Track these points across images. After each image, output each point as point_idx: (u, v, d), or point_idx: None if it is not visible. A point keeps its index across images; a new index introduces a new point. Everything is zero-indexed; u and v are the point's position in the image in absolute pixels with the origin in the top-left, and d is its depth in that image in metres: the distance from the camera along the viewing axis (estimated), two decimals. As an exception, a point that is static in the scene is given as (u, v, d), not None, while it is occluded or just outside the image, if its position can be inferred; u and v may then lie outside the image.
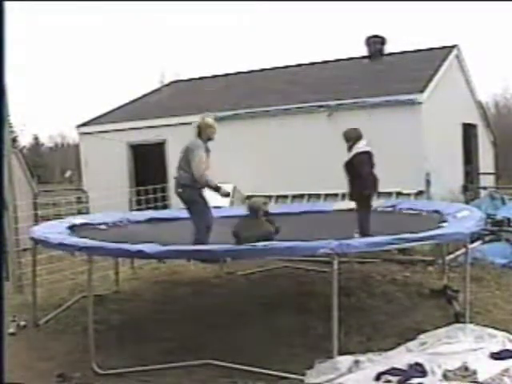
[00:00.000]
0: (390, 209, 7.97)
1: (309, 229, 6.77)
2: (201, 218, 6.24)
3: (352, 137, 6.63)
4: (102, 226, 7.17)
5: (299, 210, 8.75)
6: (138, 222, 7.83)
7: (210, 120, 6.37)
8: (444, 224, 5.73)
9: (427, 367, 4.07)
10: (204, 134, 6.27)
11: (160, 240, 5.24)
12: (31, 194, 10.93)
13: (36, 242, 6.08)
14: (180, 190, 6.27)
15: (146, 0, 60.38)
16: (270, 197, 11.23)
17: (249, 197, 10.99)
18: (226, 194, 6.41)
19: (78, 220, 7.20)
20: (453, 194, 11.09)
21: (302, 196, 11.13)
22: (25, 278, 7.67)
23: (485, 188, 13.34)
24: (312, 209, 8.73)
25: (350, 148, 6.58)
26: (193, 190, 6.19)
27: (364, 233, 6.14)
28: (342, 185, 10.26)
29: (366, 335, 5.37)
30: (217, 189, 6.24)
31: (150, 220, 7.95)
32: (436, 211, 6.86)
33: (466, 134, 13.55)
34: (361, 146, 6.52)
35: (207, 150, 6.28)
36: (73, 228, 6.54)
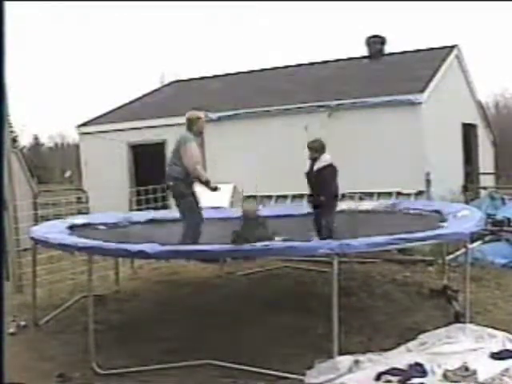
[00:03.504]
0: (389, 209, 7.96)
1: (308, 230, 6.76)
2: (190, 214, 6.20)
3: (318, 148, 6.73)
4: (102, 227, 7.17)
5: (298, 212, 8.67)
6: (138, 222, 7.82)
7: (199, 113, 6.39)
8: (444, 224, 5.73)
9: (427, 367, 4.07)
10: (194, 127, 6.28)
11: (160, 240, 5.24)
12: (31, 194, 10.91)
13: (36, 241, 6.08)
14: (171, 183, 6.24)
15: (146, 0, 60.40)
16: (270, 197, 11.26)
17: (248, 197, 11.01)
18: (214, 189, 6.37)
19: (78, 220, 7.20)
20: (453, 194, 11.09)
21: (301, 196, 11.12)
22: (25, 278, 7.67)
23: (485, 188, 13.34)
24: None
25: (314, 159, 6.67)
26: (184, 183, 6.15)
27: (324, 238, 6.16)
28: (342, 185, 10.33)
29: (366, 335, 5.37)
30: (207, 183, 6.21)
31: (150, 221, 7.95)
32: (436, 211, 6.86)
33: (466, 134, 13.55)
34: (327, 159, 6.64)
35: (199, 144, 6.27)
36: (73, 228, 6.54)
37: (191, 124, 6.29)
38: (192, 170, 6.06)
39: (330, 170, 6.61)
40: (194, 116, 6.32)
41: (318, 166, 6.61)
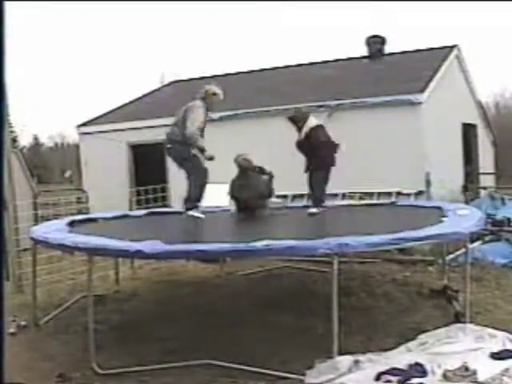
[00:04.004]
0: (389, 205, 7.99)
1: (309, 228, 6.77)
2: (193, 174, 6.23)
3: (300, 118, 6.79)
4: (101, 220, 7.21)
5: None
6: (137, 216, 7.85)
7: (216, 89, 6.40)
8: (444, 219, 5.72)
9: (427, 367, 4.07)
10: (207, 99, 6.31)
11: (161, 235, 5.23)
12: (31, 194, 10.93)
13: (36, 241, 6.08)
14: (169, 146, 6.26)
15: (146, 0, 60.42)
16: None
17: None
18: (210, 158, 6.38)
19: (78, 219, 7.20)
20: (453, 194, 11.09)
21: (302, 196, 11.12)
22: (25, 278, 7.67)
23: (485, 188, 13.34)
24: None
25: (299, 129, 6.71)
26: (183, 146, 6.17)
27: (318, 200, 6.38)
28: (342, 185, 10.34)
29: (366, 335, 5.37)
30: (202, 150, 6.23)
31: (149, 214, 7.98)
32: (437, 207, 6.87)
33: (466, 133, 13.55)
34: (312, 123, 6.67)
35: (207, 116, 6.30)
36: (72, 224, 6.55)
37: (206, 97, 6.33)
38: (189, 134, 6.07)
39: (317, 130, 6.62)
40: (210, 90, 6.37)
41: (304, 131, 6.65)
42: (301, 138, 6.76)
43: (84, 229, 6.26)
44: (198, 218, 6.59)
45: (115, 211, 8.07)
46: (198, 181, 6.22)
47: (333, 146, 6.80)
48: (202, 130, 6.24)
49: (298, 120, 6.83)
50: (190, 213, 6.59)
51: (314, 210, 6.75)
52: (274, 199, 7.16)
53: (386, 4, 59.09)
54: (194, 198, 6.34)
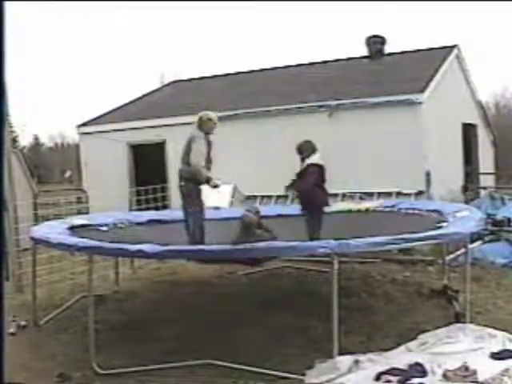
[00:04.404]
0: (389, 209, 7.97)
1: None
2: (194, 215, 6.23)
3: (306, 149, 6.61)
4: (103, 228, 7.17)
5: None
6: (139, 223, 7.82)
7: (211, 114, 6.41)
8: (444, 224, 5.73)
9: (427, 367, 4.07)
10: (203, 127, 6.32)
11: (160, 240, 5.24)
12: (31, 194, 10.93)
13: (36, 241, 6.08)
14: (182, 183, 6.29)
15: (146, 0, 60.41)
16: (270, 197, 11.25)
17: (249, 197, 10.99)
18: (215, 186, 6.37)
19: (78, 220, 7.20)
20: (453, 194, 11.09)
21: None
22: (25, 278, 7.67)
23: (485, 188, 13.34)
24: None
25: (303, 160, 6.57)
26: (193, 183, 6.20)
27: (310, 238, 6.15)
28: (342, 185, 10.34)
29: (366, 335, 5.37)
30: (207, 181, 6.23)
31: (150, 221, 7.94)
32: (436, 211, 6.87)
33: (466, 134, 13.55)
34: (314, 159, 6.51)
35: (208, 143, 6.29)
36: (73, 229, 6.55)
37: (201, 124, 6.34)
38: (194, 165, 6.09)
39: (314, 168, 6.46)
40: (204, 117, 6.36)
41: (303, 166, 6.54)
42: (299, 170, 6.62)
43: (84, 234, 6.25)
44: None
45: (115, 211, 8.07)
46: (197, 221, 6.22)
47: (322, 192, 6.62)
48: (208, 159, 6.26)
49: (301, 151, 6.61)
50: None
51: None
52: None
53: (386, 4, 59.13)
54: (196, 242, 6.25)
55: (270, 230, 6.19)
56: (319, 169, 6.50)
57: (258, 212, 6.51)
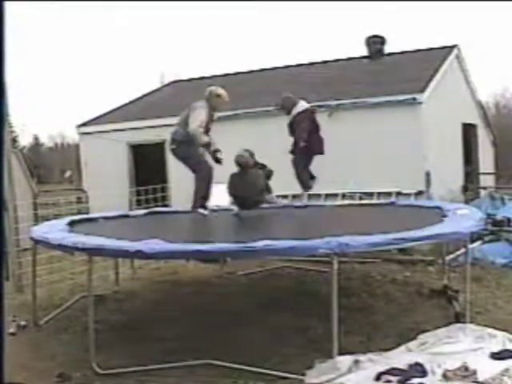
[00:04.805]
0: (389, 206, 7.99)
1: (309, 228, 6.77)
2: (198, 172, 6.24)
3: (287, 103, 7.09)
4: (101, 220, 7.21)
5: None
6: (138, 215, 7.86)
7: (220, 90, 6.37)
8: (444, 219, 5.72)
9: (427, 367, 4.07)
10: (211, 101, 6.29)
11: (160, 235, 5.23)
12: (31, 194, 10.93)
13: (36, 241, 6.08)
14: (173, 147, 6.26)
15: (146, 0, 60.43)
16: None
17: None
18: (216, 158, 6.37)
19: (78, 219, 7.20)
20: (453, 194, 11.09)
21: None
22: (25, 278, 7.67)
23: (485, 188, 13.34)
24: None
25: (288, 113, 6.98)
26: (187, 145, 6.16)
27: (302, 184, 7.02)
28: (342, 185, 10.35)
29: (366, 335, 5.37)
30: (207, 145, 6.20)
31: (150, 213, 7.98)
32: (437, 207, 6.88)
33: (466, 133, 13.55)
34: (299, 107, 6.90)
35: (211, 117, 6.28)
36: (72, 224, 6.55)
37: (209, 98, 6.32)
38: (192, 131, 6.05)
39: (302, 115, 6.87)
40: (214, 92, 6.35)
41: (292, 115, 6.92)
42: (289, 121, 7.04)
43: (84, 229, 6.26)
44: (202, 214, 6.57)
45: (115, 211, 8.07)
46: (203, 178, 6.22)
47: (316, 138, 7.04)
48: (206, 128, 6.21)
49: (286, 106, 7.20)
50: (200, 210, 6.57)
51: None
52: (280, 200, 7.27)
53: (386, 4, 59.15)
54: (200, 196, 6.34)
55: (265, 166, 6.38)
56: (307, 114, 6.89)
57: (252, 154, 6.67)
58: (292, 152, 7.36)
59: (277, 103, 7.21)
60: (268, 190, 7.15)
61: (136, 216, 7.85)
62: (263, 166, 6.87)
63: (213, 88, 6.37)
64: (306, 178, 7.12)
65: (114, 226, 6.84)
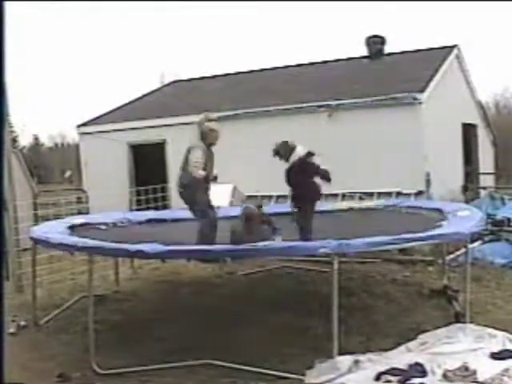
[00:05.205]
0: (390, 208, 7.98)
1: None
2: (203, 217, 6.24)
3: (285, 151, 6.44)
4: (102, 227, 7.18)
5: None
6: (139, 222, 7.82)
7: (212, 125, 6.32)
8: (444, 222, 5.72)
9: (427, 367, 4.07)
10: (207, 138, 6.26)
11: (160, 240, 5.23)
12: (31, 194, 10.92)
13: (36, 241, 6.08)
14: (181, 190, 6.31)
15: (146, 0, 60.43)
16: (270, 197, 11.25)
17: (249, 197, 10.98)
18: (215, 178, 6.40)
19: (78, 220, 7.20)
20: (453, 194, 11.09)
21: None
22: (25, 278, 7.67)
23: (485, 188, 13.34)
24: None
25: (287, 160, 6.41)
26: (192, 189, 6.20)
27: (304, 236, 6.04)
28: (342, 185, 10.34)
29: (366, 335, 5.37)
30: (206, 179, 6.23)
31: (150, 220, 7.94)
32: (436, 209, 6.87)
33: (466, 133, 13.55)
34: (297, 153, 6.33)
35: (210, 154, 6.28)
36: (73, 228, 6.55)
37: (203, 136, 6.28)
38: (195, 174, 6.09)
39: (295, 169, 6.34)
40: (206, 129, 6.26)
41: (291, 161, 6.37)
42: (288, 167, 6.50)
43: (84, 233, 6.25)
44: None
45: (115, 212, 8.07)
46: (206, 227, 6.21)
47: (313, 187, 6.49)
48: (205, 165, 6.20)
49: (282, 154, 6.46)
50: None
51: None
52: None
53: (386, 4, 59.15)
54: (204, 242, 6.25)
55: (272, 223, 6.16)
56: (306, 162, 6.32)
57: (260, 206, 6.48)
58: (294, 208, 6.59)
59: (273, 150, 6.60)
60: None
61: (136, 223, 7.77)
62: (269, 222, 6.47)
63: (204, 126, 6.30)
64: (309, 230, 6.44)
65: (114, 233, 6.80)
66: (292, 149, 6.38)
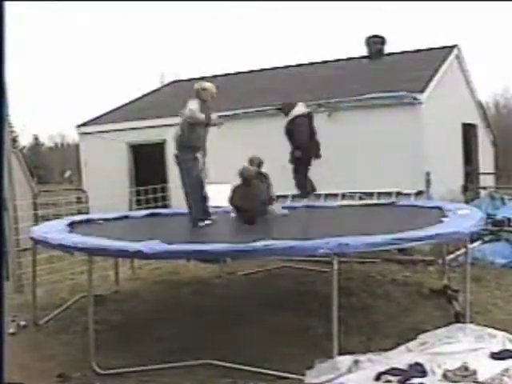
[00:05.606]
0: (389, 206, 8.00)
1: (310, 227, 6.78)
2: (187, 179, 6.31)
3: (287, 107, 7.51)
4: (101, 221, 7.21)
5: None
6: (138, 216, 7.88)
7: (205, 84, 6.53)
8: (445, 219, 5.71)
9: (427, 367, 4.07)
10: (200, 96, 6.44)
11: (159, 236, 5.23)
12: (31, 194, 10.92)
13: (36, 241, 6.08)
14: (176, 152, 6.40)
15: (146, 0, 60.43)
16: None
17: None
18: (218, 123, 6.56)
19: (78, 220, 7.20)
20: (453, 194, 11.09)
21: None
22: (25, 278, 7.67)
23: (485, 188, 13.34)
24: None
25: (286, 114, 7.35)
26: (186, 151, 6.27)
27: (301, 191, 7.26)
28: (342, 185, 10.34)
29: (366, 335, 5.37)
30: (207, 123, 6.36)
31: (149, 215, 7.99)
32: (437, 207, 6.88)
33: (466, 133, 13.55)
34: (297, 110, 7.16)
35: (205, 108, 6.38)
36: (72, 225, 6.55)
37: (198, 94, 6.47)
38: (189, 116, 6.18)
39: (299, 119, 7.11)
40: (199, 87, 6.52)
41: (289, 118, 7.20)
42: (286, 124, 7.25)
43: (84, 230, 6.26)
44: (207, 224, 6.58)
45: (115, 212, 8.07)
46: (192, 187, 6.25)
47: (313, 143, 7.24)
48: (201, 109, 6.37)
49: (285, 108, 7.47)
50: (200, 224, 6.55)
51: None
52: (282, 211, 7.27)
53: (386, 4, 59.13)
54: (196, 209, 6.34)
55: (268, 178, 6.46)
56: (305, 120, 7.11)
57: (260, 163, 6.82)
58: (291, 161, 7.45)
59: (277, 105, 7.54)
60: (271, 202, 7.15)
61: (135, 217, 7.83)
62: (265, 177, 6.98)
63: (197, 85, 6.57)
64: (306, 185, 7.23)
65: (113, 228, 6.83)
66: (293, 105, 7.45)
